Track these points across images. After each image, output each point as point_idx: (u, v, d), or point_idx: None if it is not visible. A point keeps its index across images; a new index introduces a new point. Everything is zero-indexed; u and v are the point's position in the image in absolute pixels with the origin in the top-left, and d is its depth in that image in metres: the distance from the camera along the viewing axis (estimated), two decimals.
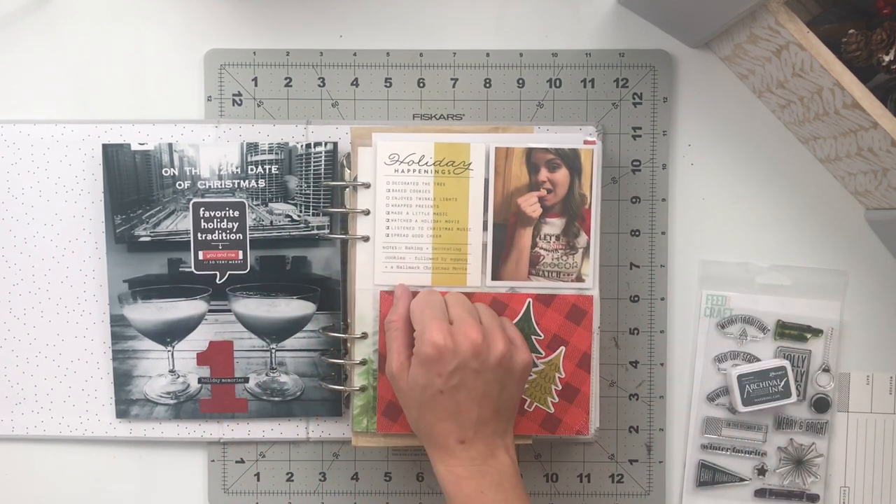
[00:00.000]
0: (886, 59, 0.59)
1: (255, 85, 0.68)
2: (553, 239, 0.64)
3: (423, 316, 0.59)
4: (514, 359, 0.58)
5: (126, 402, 0.68)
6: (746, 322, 0.68)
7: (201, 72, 0.68)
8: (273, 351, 0.67)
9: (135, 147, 0.65)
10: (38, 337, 0.68)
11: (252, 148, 0.66)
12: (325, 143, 0.66)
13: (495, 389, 0.58)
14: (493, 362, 0.57)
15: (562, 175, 0.63)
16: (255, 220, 0.66)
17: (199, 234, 0.66)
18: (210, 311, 0.67)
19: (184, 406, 0.67)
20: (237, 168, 0.66)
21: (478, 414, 0.57)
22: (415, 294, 0.62)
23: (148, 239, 0.66)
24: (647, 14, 0.68)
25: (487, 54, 0.68)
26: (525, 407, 0.64)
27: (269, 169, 0.66)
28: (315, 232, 0.66)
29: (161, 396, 0.68)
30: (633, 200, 0.69)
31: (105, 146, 0.65)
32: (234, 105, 0.68)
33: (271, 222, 0.66)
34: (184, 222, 0.66)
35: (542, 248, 0.64)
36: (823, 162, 0.68)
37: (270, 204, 0.66)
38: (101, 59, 0.68)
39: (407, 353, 0.59)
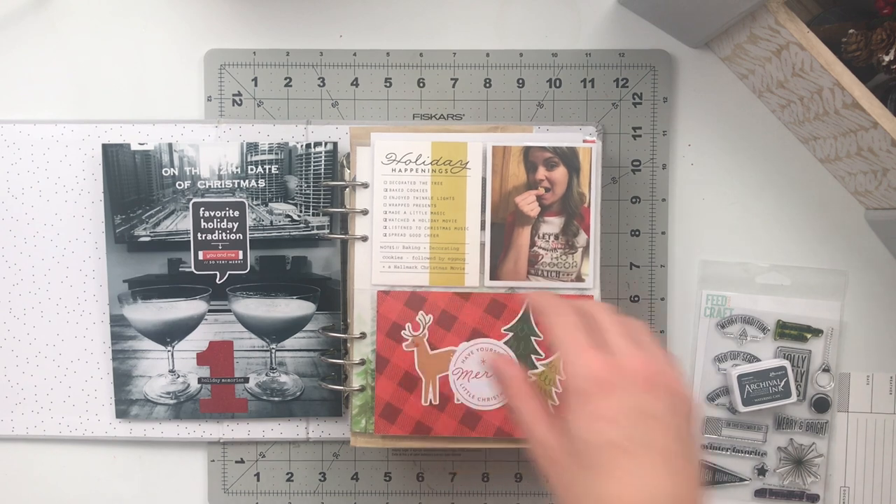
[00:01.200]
0: (886, 59, 0.59)
1: (255, 85, 0.68)
2: (552, 238, 0.63)
3: (570, 342, 0.46)
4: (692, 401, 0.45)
5: (126, 402, 0.68)
6: (746, 322, 0.68)
7: (201, 72, 0.68)
8: (273, 351, 0.67)
9: (135, 147, 0.65)
10: (38, 337, 0.68)
11: (252, 148, 0.66)
12: (325, 143, 0.66)
13: (689, 449, 0.42)
14: (683, 407, 0.43)
15: (560, 173, 0.63)
16: (255, 220, 0.66)
17: (199, 234, 0.66)
18: (210, 311, 0.67)
19: (184, 406, 0.68)
20: (237, 168, 0.66)
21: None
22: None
23: (148, 239, 0.66)
24: (647, 14, 0.67)
25: (487, 54, 0.68)
26: None
27: (269, 169, 0.66)
28: (315, 232, 0.66)
29: (161, 396, 0.68)
30: (633, 200, 0.69)
31: (105, 146, 0.65)
32: (234, 105, 0.68)
33: (271, 222, 0.66)
34: (184, 222, 0.66)
35: (540, 247, 0.63)
36: (823, 162, 0.68)
37: (270, 204, 0.66)
38: (101, 59, 0.68)
39: (547, 415, 0.47)
